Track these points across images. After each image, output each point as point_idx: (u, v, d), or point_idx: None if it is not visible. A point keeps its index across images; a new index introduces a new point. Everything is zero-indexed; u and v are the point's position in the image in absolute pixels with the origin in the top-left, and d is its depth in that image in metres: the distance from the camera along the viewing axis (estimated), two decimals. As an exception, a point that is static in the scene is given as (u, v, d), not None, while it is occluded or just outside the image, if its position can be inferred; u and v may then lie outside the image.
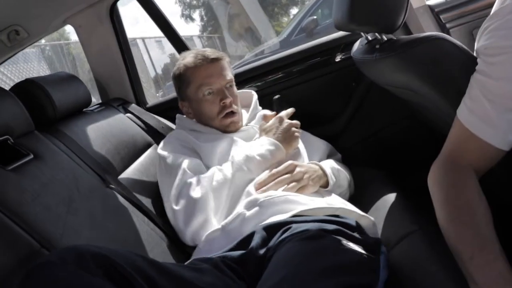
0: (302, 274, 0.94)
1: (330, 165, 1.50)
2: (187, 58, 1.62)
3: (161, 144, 1.57)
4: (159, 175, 1.51)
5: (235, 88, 1.64)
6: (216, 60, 1.59)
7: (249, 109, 1.71)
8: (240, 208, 1.28)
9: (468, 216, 0.97)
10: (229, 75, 1.61)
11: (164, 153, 1.50)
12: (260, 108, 1.77)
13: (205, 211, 1.32)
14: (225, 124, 1.58)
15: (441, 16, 2.17)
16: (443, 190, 1.03)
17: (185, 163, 1.43)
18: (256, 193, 1.32)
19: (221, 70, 1.59)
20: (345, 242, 1.05)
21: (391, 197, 1.44)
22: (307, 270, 0.95)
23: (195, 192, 1.34)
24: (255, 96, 1.77)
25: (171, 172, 1.44)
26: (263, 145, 1.44)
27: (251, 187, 1.35)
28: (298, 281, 0.91)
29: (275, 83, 2.07)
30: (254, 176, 1.39)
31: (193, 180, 1.38)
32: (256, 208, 1.25)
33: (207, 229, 1.30)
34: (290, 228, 1.12)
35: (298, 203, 1.25)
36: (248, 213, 1.24)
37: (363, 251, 1.04)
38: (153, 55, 10.22)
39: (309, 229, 1.09)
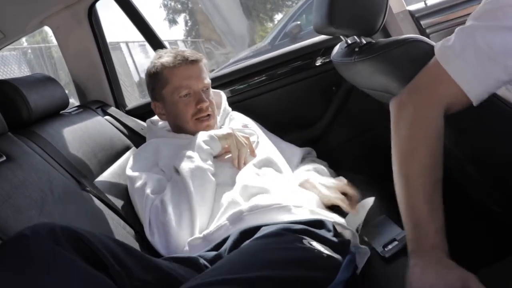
0: (249, 262, 0.95)
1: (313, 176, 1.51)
2: (165, 57, 1.57)
3: (130, 161, 1.53)
4: (130, 194, 1.48)
5: (211, 91, 1.61)
6: (195, 61, 1.56)
7: (220, 111, 1.69)
8: (223, 219, 1.25)
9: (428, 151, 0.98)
10: (207, 78, 1.58)
11: (131, 174, 1.47)
12: (229, 109, 1.75)
13: (181, 232, 1.29)
14: (201, 128, 1.54)
15: (421, 22, 2.19)
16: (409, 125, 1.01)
17: (149, 186, 1.40)
18: (240, 200, 1.29)
19: (199, 73, 1.56)
20: (306, 240, 1.04)
21: (369, 201, 1.44)
22: (253, 259, 0.95)
23: (164, 217, 1.31)
24: (224, 97, 1.75)
25: (138, 195, 1.42)
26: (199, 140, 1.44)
27: (235, 195, 1.31)
28: (244, 267, 0.92)
29: (255, 86, 2.07)
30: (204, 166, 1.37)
31: (157, 203, 1.35)
32: (240, 221, 1.22)
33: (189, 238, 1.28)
34: (260, 230, 1.13)
35: (283, 213, 1.22)
36: (231, 226, 1.22)
37: (324, 250, 1.03)
38: (137, 59, 10.17)
39: (273, 229, 1.09)
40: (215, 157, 1.45)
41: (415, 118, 1.01)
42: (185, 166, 1.36)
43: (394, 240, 1.15)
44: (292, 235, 1.06)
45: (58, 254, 0.82)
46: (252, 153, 1.49)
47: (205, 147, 1.41)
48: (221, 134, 1.45)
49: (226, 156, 1.47)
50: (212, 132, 1.46)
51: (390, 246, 1.15)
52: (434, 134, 0.99)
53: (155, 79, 1.59)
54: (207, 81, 1.58)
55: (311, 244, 1.03)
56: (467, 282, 0.87)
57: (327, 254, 1.03)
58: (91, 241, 0.87)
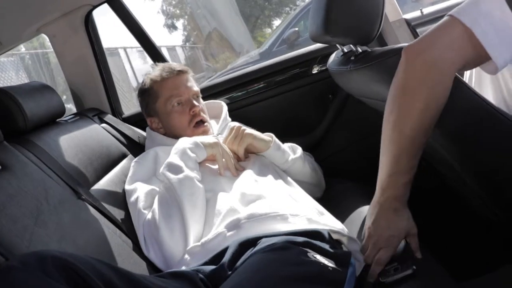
0: (259, 280, 0.93)
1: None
2: (153, 72, 1.64)
3: (130, 172, 1.53)
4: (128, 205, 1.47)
5: (201, 100, 1.66)
6: (182, 72, 1.62)
7: (219, 120, 1.70)
8: (221, 227, 1.24)
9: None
10: (195, 87, 1.64)
11: (127, 187, 1.47)
12: (229, 119, 1.76)
13: (175, 245, 1.28)
14: (197, 135, 1.55)
15: (417, 30, 2.20)
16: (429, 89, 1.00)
17: (141, 200, 1.39)
18: (238, 207, 1.28)
19: (187, 82, 1.62)
20: (311, 254, 1.04)
21: (366, 209, 1.43)
22: (264, 277, 0.94)
23: (157, 233, 1.30)
24: (225, 107, 1.78)
25: (132, 210, 1.42)
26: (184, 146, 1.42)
27: (235, 203, 1.30)
28: (256, 285, 0.92)
29: (253, 94, 2.08)
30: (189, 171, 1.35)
31: (149, 218, 1.34)
32: (238, 229, 1.22)
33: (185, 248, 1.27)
34: (260, 242, 1.11)
35: (280, 222, 1.21)
36: (228, 233, 1.21)
37: (328, 263, 1.03)
38: (135, 65, 10.21)
39: (276, 242, 1.08)
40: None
41: (427, 78, 0.99)
42: (173, 176, 1.34)
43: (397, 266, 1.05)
44: (296, 249, 1.05)
45: (46, 285, 0.79)
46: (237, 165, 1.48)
47: (192, 155, 1.40)
48: (207, 142, 1.45)
49: (214, 166, 1.46)
50: (198, 139, 1.45)
51: (392, 271, 1.04)
52: (444, 98, 1.00)
53: (147, 95, 1.65)
54: (196, 89, 1.63)
55: (315, 258, 1.03)
56: (411, 231, 1.04)
57: (332, 268, 1.02)
58: (82, 269, 0.84)
